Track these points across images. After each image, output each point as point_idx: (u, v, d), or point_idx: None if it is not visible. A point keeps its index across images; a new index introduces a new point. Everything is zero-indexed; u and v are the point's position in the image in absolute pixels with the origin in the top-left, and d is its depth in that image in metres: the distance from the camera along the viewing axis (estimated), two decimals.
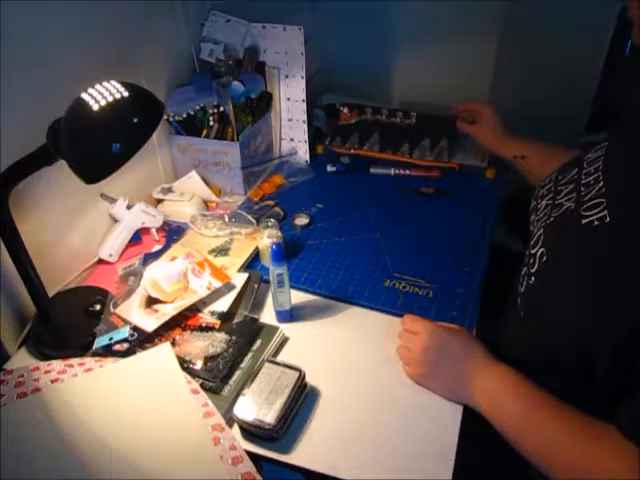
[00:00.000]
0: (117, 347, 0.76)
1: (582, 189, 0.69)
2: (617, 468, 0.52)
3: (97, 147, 0.63)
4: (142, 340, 0.77)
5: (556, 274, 0.65)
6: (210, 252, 0.95)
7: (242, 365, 0.75)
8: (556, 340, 0.64)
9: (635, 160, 0.64)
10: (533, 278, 0.68)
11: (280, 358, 0.77)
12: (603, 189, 0.65)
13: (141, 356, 0.75)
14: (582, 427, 0.57)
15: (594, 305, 0.58)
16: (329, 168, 1.21)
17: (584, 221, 0.63)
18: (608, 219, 0.61)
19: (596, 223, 0.62)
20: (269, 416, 0.66)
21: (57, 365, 0.74)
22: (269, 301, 0.87)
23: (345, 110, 1.31)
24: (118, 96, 0.62)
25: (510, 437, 0.62)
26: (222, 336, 0.78)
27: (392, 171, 1.22)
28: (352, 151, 1.28)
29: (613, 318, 0.56)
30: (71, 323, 0.82)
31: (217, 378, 0.72)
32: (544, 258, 0.67)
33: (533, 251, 0.71)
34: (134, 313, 0.81)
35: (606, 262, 0.59)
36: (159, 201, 1.10)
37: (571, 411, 0.59)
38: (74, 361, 0.75)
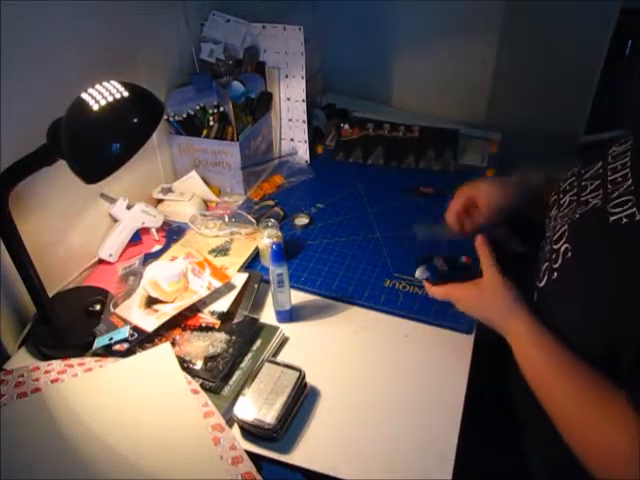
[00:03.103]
0: (117, 347, 0.76)
1: (609, 186, 0.69)
2: (620, 439, 0.53)
3: (97, 147, 0.63)
4: (142, 340, 0.77)
5: (582, 270, 0.65)
6: (210, 252, 0.95)
7: (242, 365, 0.75)
8: (581, 336, 0.64)
9: None
10: (556, 273, 0.68)
11: (280, 358, 0.77)
12: (632, 186, 0.64)
13: (141, 356, 0.75)
14: (595, 395, 0.58)
15: (622, 300, 0.58)
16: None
17: (612, 218, 0.63)
18: (638, 217, 0.60)
19: (625, 220, 0.61)
20: (269, 416, 0.66)
21: (57, 365, 0.74)
22: (269, 301, 0.87)
23: (346, 127, 1.30)
24: (118, 96, 0.62)
25: (533, 386, 0.63)
26: (222, 336, 0.78)
27: None
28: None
29: (621, 317, 0.56)
30: (71, 323, 0.82)
31: (217, 378, 0.72)
32: (568, 254, 0.67)
33: (556, 247, 0.70)
34: (134, 313, 0.81)
35: (636, 258, 0.59)
36: (159, 201, 1.10)
37: (587, 374, 0.60)
38: (74, 361, 0.75)
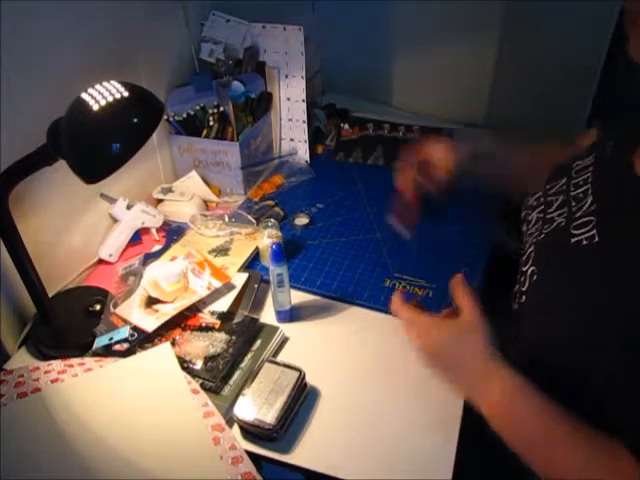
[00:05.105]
0: (117, 347, 0.76)
1: (573, 203, 0.68)
2: None
3: (97, 147, 0.63)
4: (142, 340, 0.77)
5: (546, 293, 0.64)
6: (210, 252, 0.95)
7: (242, 365, 0.75)
8: (556, 360, 0.63)
9: (624, 178, 0.62)
10: (524, 297, 0.67)
11: (280, 358, 0.77)
12: (593, 206, 0.64)
13: (141, 356, 0.75)
14: (599, 451, 0.54)
15: (587, 327, 0.57)
16: None
17: (573, 240, 0.62)
18: (597, 239, 0.60)
19: (585, 243, 0.61)
20: (269, 416, 0.66)
21: (57, 365, 0.74)
22: (269, 301, 0.87)
23: (346, 127, 1.30)
24: (118, 96, 0.62)
25: (524, 450, 0.57)
26: (222, 336, 0.78)
27: None
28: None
29: (599, 341, 0.56)
30: (71, 323, 0.82)
31: (217, 378, 0.72)
32: (534, 277, 0.66)
33: (524, 269, 0.69)
34: (134, 313, 0.81)
35: (592, 284, 0.58)
36: (159, 201, 1.10)
37: (584, 429, 0.55)
38: (74, 361, 0.75)
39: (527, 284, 0.66)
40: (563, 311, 0.61)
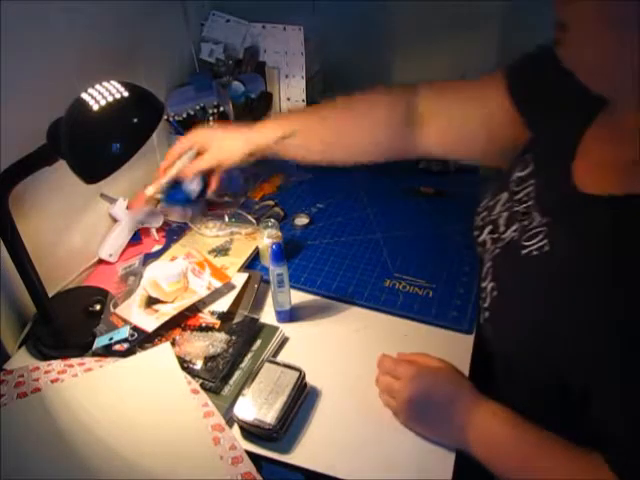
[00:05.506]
0: (117, 347, 0.77)
1: (520, 217, 0.67)
2: None
3: (97, 147, 0.63)
4: (142, 340, 0.77)
5: (505, 308, 0.64)
6: (210, 252, 0.95)
7: (242, 365, 0.75)
8: (523, 375, 0.64)
9: (564, 188, 0.61)
10: (487, 313, 0.67)
11: (280, 358, 0.77)
12: (542, 219, 0.63)
13: (141, 356, 0.75)
14: (582, 467, 0.55)
15: (549, 336, 0.57)
16: None
17: (524, 252, 0.62)
18: (547, 248, 0.59)
19: (535, 253, 0.60)
20: (269, 416, 0.66)
21: (57, 365, 0.74)
22: (269, 301, 0.87)
23: None
24: (118, 96, 0.62)
25: (514, 474, 0.59)
26: (222, 336, 0.78)
27: None
28: None
29: (554, 352, 0.56)
30: (71, 323, 0.82)
31: (217, 378, 0.72)
32: (494, 292, 0.66)
33: (484, 285, 0.69)
34: (134, 313, 0.81)
35: (543, 294, 0.58)
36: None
37: (564, 445, 0.57)
38: (74, 361, 0.75)
39: (489, 300, 0.66)
40: (521, 324, 0.61)
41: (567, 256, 0.57)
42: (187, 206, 0.89)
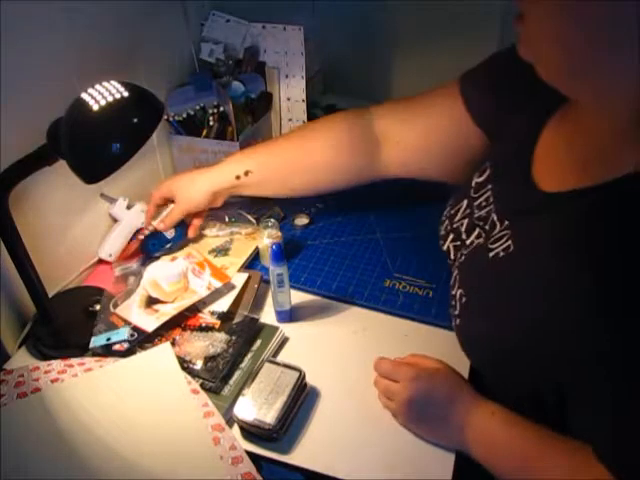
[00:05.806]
0: (117, 347, 0.77)
1: (481, 222, 0.67)
2: None
3: (97, 147, 0.63)
4: (142, 340, 0.77)
5: (474, 313, 0.64)
6: (210, 252, 0.95)
7: (242, 365, 0.75)
8: (497, 381, 0.64)
9: (523, 188, 0.61)
10: (458, 320, 0.67)
11: (280, 358, 0.77)
12: (503, 220, 0.63)
13: (141, 356, 0.75)
14: (577, 461, 0.55)
15: (520, 340, 0.57)
16: None
17: (491, 254, 0.62)
18: (512, 249, 0.59)
19: (502, 254, 0.60)
20: (269, 416, 0.66)
21: (57, 365, 0.74)
22: (269, 301, 0.87)
23: None
24: (118, 96, 0.62)
25: (517, 471, 0.58)
26: (222, 336, 0.78)
27: None
28: None
29: (526, 351, 0.56)
30: (71, 323, 0.82)
31: (217, 378, 0.72)
32: (463, 299, 0.66)
33: (453, 292, 0.69)
34: (134, 313, 0.81)
35: (515, 290, 0.58)
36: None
37: (556, 437, 0.57)
38: (74, 361, 0.75)
39: (458, 307, 0.66)
40: (490, 328, 0.61)
41: (533, 254, 0.57)
42: (172, 245, 0.95)
